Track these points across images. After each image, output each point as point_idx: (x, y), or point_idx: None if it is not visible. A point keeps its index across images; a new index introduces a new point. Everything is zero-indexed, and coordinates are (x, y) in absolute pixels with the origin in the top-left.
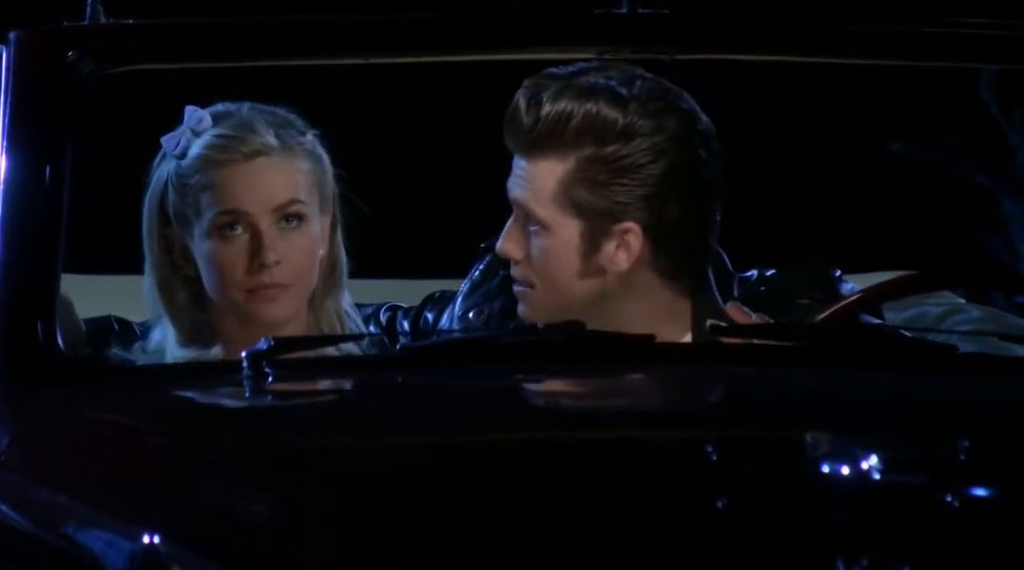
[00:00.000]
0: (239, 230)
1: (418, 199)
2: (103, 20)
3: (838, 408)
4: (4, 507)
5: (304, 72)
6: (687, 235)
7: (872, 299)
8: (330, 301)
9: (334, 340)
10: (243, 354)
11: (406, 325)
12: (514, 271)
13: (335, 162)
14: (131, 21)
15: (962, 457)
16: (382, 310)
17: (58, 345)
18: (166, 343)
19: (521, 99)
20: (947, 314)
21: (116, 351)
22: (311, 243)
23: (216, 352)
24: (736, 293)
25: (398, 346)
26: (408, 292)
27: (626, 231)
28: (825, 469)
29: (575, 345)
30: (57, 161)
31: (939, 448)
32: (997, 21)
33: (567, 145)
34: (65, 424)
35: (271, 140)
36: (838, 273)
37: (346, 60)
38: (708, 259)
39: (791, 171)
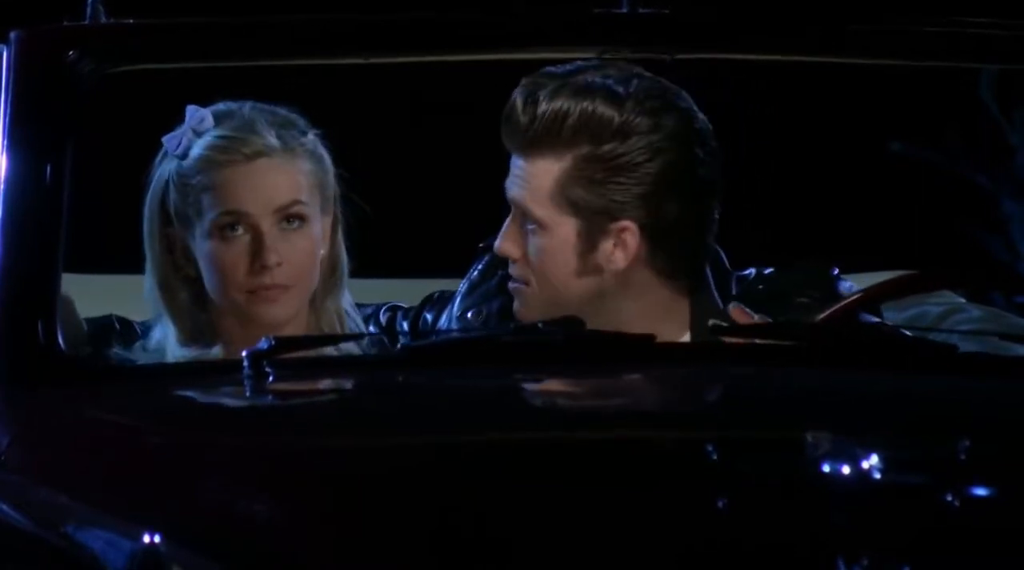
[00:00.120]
0: (240, 231)
1: (417, 199)
2: (103, 20)
3: (838, 408)
4: (4, 507)
5: (304, 72)
6: (684, 234)
7: (872, 298)
8: (331, 301)
9: (334, 340)
10: (243, 354)
11: (405, 326)
12: (512, 270)
13: (335, 162)
14: (131, 21)
15: (962, 457)
16: (382, 310)
17: (59, 345)
18: (167, 342)
19: (518, 98)
20: (947, 314)
21: (117, 350)
22: (312, 244)
23: (217, 351)
24: (734, 292)
25: (398, 346)
26: (407, 292)
27: (623, 229)
28: (825, 469)
29: (575, 345)
30: (57, 160)
31: (939, 448)
32: (997, 21)
33: (564, 144)
34: (65, 424)
35: (273, 141)
36: (836, 272)
37: (346, 60)
38: (706, 258)
39: (791, 170)
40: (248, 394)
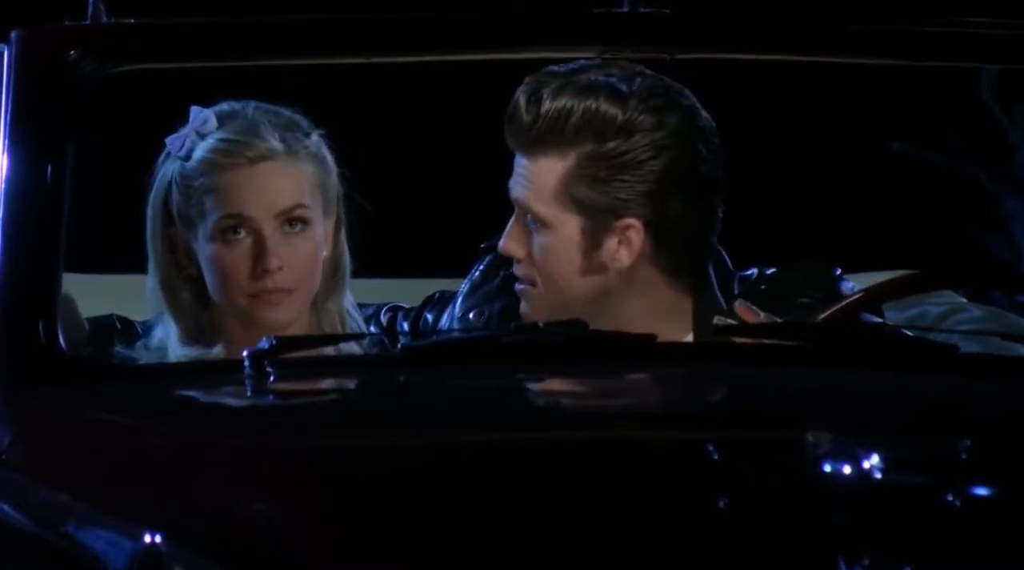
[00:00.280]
0: (242, 234)
1: (418, 199)
2: (104, 19)
3: (839, 408)
4: (5, 506)
5: (304, 72)
6: (688, 231)
7: (873, 298)
8: (332, 301)
9: (335, 340)
10: (244, 353)
11: (406, 326)
12: (516, 270)
13: (336, 162)
14: (132, 21)
15: (963, 457)
16: (383, 311)
17: (59, 345)
18: (169, 341)
19: (521, 97)
20: (948, 314)
21: (119, 349)
22: (314, 246)
23: (218, 351)
24: (736, 291)
25: (399, 346)
26: (408, 292)
27: (627, 227)
28: (826, 469)
29: (576, 345)
30: (58, 160)
31: (940, 448)
32: (997, 21)
33: (567, 142)
34: (66, 424)
35: (276, 144)
36: (838, 272)
37: (347, 59)
38: (709, 256)
39: (791, 170)
40: (249, 394)
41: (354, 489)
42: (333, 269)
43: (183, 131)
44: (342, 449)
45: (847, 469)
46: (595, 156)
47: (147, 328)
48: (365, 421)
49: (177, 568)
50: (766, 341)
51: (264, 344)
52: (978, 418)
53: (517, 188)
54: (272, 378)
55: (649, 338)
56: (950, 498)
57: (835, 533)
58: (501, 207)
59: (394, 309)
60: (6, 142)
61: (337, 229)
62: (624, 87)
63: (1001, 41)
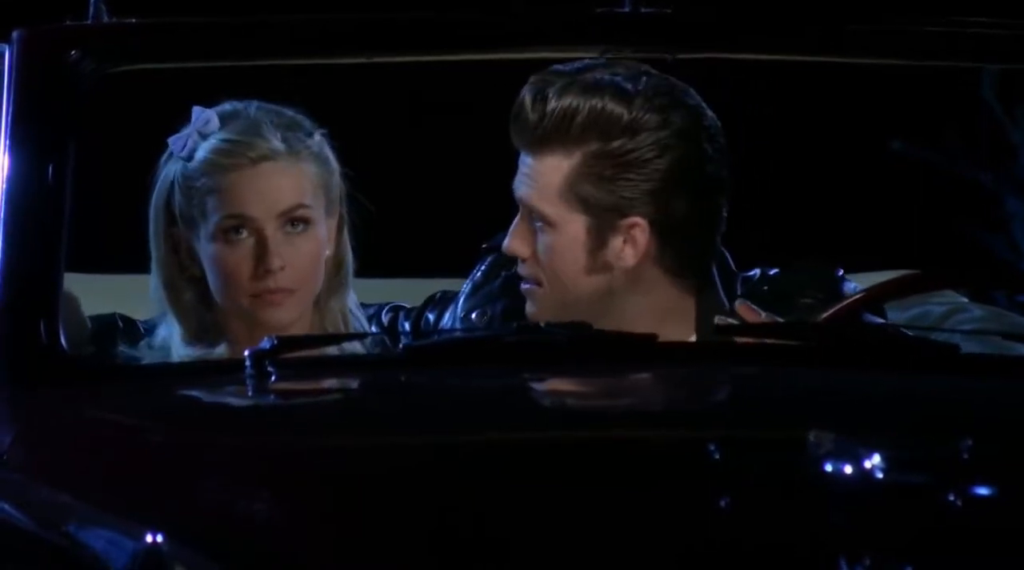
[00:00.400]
0: (244, 234)
1: (419, 199)
2: (105, 19)
3: (841, 408)
4: (6, 506)
5: (306, 72)
6: (693, 230)
7: (875, 298)
8: (335, 301)
9: (337, 339)
10: (246, 353)
11: (407, 326)
12: (521, 269)
13: (338, 162)
14: (133, 20)
15: (965, 457)
16: (384, 311)
17: (61, 344)
18: (171, 341)
19: (527, 95)
20: (950, 313)
21: (121, 349)
22: (316, 246)
23: (221, 350)
24: (739, 292)
25: (401, 345)
26: (410, 291)
27: (632, 226)
28: (829, 469)
29: (578, 345)
30: (59, 160)
31: (942, 448)
32: (997, 21)
33: (573, 141)
34: (67, 423)
35: (278, 145)
36: (841, 272)
37: (347, 59)
38: (713, 256)
39: (792, 171)
40: (250, 394)
41: (355, 489)
42: (336, 269)
43: (185, 131)
44: (343, 449)
45: (849, 469)
46: (601, 155)
47: (150, 327)
48: (366, 421)
49: (178, 568)
50: (768, 341)
51: (265, 344)
52: (980, 418)
53: (522, 187)
54: (273, 378)
55: (651, 338)
56: (952, 498)
57: (837, 533)
58: (502, 207)
59: (396, 309)
60: (7, 142)
61: (340, 229)
62: (630, 86)
63: (1001, 41)
